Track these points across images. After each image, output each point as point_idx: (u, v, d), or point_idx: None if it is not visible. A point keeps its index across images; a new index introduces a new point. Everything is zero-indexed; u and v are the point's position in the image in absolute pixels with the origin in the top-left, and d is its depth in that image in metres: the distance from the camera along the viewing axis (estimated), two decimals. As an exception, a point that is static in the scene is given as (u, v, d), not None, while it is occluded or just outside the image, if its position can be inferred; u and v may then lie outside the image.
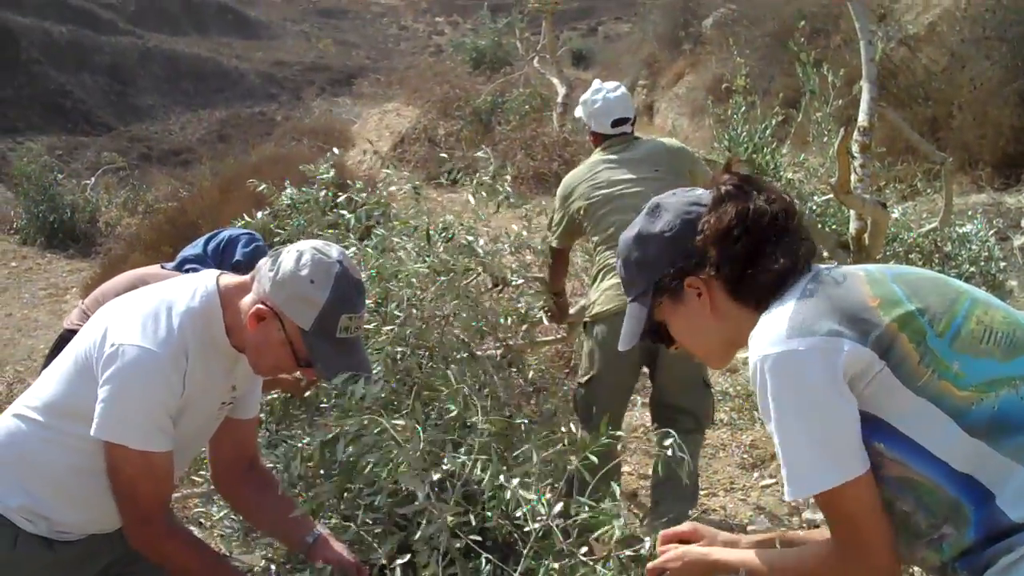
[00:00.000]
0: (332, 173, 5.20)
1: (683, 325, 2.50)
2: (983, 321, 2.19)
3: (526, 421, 3.94)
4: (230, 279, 3.00)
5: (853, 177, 6.02)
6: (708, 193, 2.46)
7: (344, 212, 4.89)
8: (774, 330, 2.20)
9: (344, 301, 2.85)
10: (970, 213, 9.35)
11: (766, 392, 2.18)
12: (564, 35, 36.84)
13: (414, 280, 4.52)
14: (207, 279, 2.98)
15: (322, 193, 5.07)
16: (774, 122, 6.65)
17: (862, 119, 6.40)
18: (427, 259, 4.60)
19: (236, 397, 3.15)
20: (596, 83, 5.75)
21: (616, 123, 5.54)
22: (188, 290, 2.93)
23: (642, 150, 5.40)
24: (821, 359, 2.13)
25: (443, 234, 4.82)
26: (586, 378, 5.16)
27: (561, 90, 18.18)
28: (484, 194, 5.17)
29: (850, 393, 2.13)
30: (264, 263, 2.91)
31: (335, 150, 5.33)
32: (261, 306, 2.85)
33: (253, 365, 2.98)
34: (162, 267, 4.95)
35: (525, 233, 5.40)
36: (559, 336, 6.43)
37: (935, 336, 2.15)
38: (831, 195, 6.16)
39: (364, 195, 5.03)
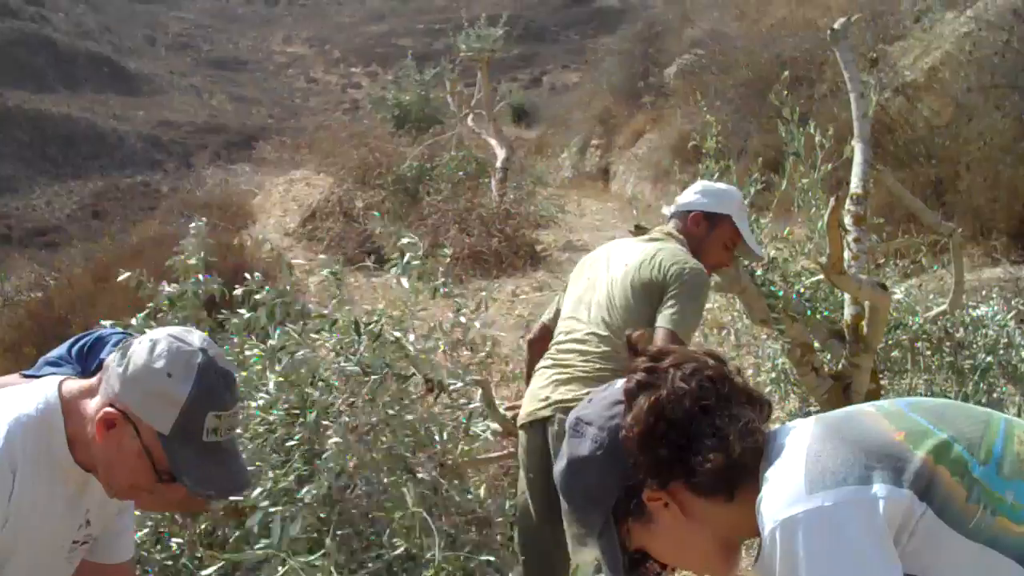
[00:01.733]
0: (200, 256, 5.12)
1: (664, 545, 2.43)
2: None
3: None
4: (74, 383, 2.87)
5: (847, 254, 6.04)
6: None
7: (242, 311, 4.85)
8: (789, 487, 2.15)
9: (210, 396, 2.73)
10: (984, 292, 9.42)
11: (794, 568, 2.10)
12: (503, 87, 37.23)
13: (336, 383, 4.47)
14: (47, 385, 2.85)
15: (192, 284, 5.01)
16: (752, 190, 6.66)
17: (855, 186, 6.44)
18: (352, 358, 4.56)
19: (92, 535, 3.02)
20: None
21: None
22: (22, 398, 2.81)
23: (640, 247, 5.26)
24: (858, 514, 2.07)
25: (369, 328, 4.79)
26: (516, 493, 5.22)
27: (500, 153, 18.29)
28: (416, 279, 5.15)
29: (895, 554, 2.07)
30: (112, 358, 2.77)
31: (195, 222, 5.24)
32: (110, 409, 2.71)
33: (106, 485, 2.83)
34: (22, 375, 4.85)
35: (464, 319, 5.38)
36: (505, 452, 6.37)
37: (978, 464, 2.11)
38: (821, 276, 6.16)
39: (267, 289, 4.98)
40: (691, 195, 5.43)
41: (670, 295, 4.92)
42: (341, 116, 36.97)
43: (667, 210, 5.51)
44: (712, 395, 2.31)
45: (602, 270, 5.21)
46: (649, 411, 2.29)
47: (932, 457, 2.11)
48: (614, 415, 2.37)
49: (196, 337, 2.80)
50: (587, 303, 5.11)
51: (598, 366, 4.84)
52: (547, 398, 4.91)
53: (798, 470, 2.15)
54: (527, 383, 5.56)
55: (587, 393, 2.61)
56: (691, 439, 2.28)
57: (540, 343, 5.45)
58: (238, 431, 3.60)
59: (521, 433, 5.07)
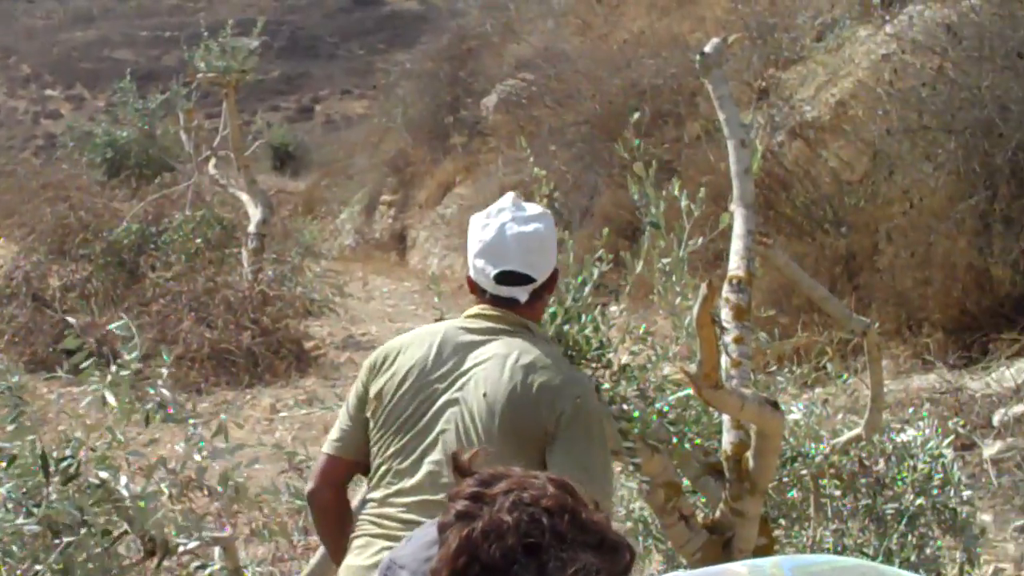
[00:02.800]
0: None
1: None
2: None
3: None
4: None
5: (724, 360, 6.10)
6: None
7: None
8: None
9: None
10: (913, 408, 9.57)
11: None
12: (259, 120, 37.21)
13: (15, 548, 4.43)
14: None
15: None
16: (596, 271, 6.66)
17: (734, 266, 6.50)
18: (35, 510, 4.52)
19: None
20: (508, 197, 5.13)
21: (504, 277, 5.02)
22: None
23: (500, 360, 4.82)
24: None
25: (62, 467, 4.74)
26: None
27: (255, 213, 18.22)
28: (128, 393, 5.12)
29: None
30: None
31: None
32: None
33: None
34: None
35: (199, 458, 5.35)
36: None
37: None
38: (691, 390, 6.22)
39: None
40: (543, 247, 5.04)
41: (562, 442, 4.62)
42: (30, 158, 36.59)
43: (515, 290, 5.02)
44: (544, 532, 2.31)
45: (441, 391, 4.78)
46: (459, 550, 2.30)
47: None
48: (431, 556, 2.39)
49: None
50: (426, 450, 4.68)
51: None
52: None
53: None
54: (333, 556, 5.12)
55: None
56: None
57: (332, 492, 4.99)
58: None
59: None
